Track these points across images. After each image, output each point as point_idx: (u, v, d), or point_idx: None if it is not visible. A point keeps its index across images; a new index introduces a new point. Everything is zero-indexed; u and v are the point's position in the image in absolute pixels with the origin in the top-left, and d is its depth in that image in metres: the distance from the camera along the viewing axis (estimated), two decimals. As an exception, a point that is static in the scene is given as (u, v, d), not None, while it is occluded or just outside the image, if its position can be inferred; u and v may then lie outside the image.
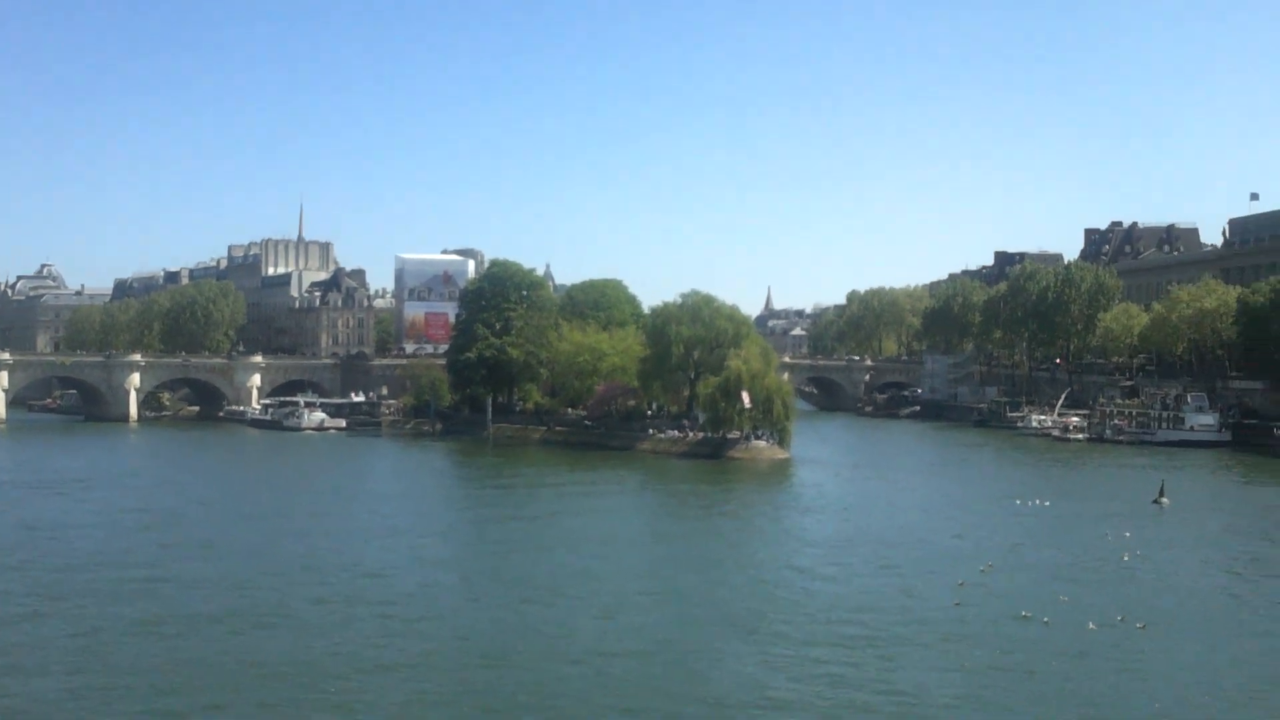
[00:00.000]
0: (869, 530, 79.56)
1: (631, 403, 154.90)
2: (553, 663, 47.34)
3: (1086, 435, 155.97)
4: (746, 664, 46.92)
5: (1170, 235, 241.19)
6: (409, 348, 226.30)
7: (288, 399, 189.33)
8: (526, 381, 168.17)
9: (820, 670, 45.72)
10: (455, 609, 56.85)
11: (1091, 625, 51.55)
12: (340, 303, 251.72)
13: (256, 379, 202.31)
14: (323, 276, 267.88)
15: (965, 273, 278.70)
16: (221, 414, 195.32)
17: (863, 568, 65.80)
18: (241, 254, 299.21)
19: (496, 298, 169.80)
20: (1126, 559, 67.86)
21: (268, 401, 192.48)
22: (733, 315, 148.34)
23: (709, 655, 48.32)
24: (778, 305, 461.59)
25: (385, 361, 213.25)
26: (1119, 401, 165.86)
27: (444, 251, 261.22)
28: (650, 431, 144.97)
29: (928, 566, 65.72)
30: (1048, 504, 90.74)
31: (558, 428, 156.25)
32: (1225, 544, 74.93)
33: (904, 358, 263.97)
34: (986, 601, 56.47)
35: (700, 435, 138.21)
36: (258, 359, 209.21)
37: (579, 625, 53.25)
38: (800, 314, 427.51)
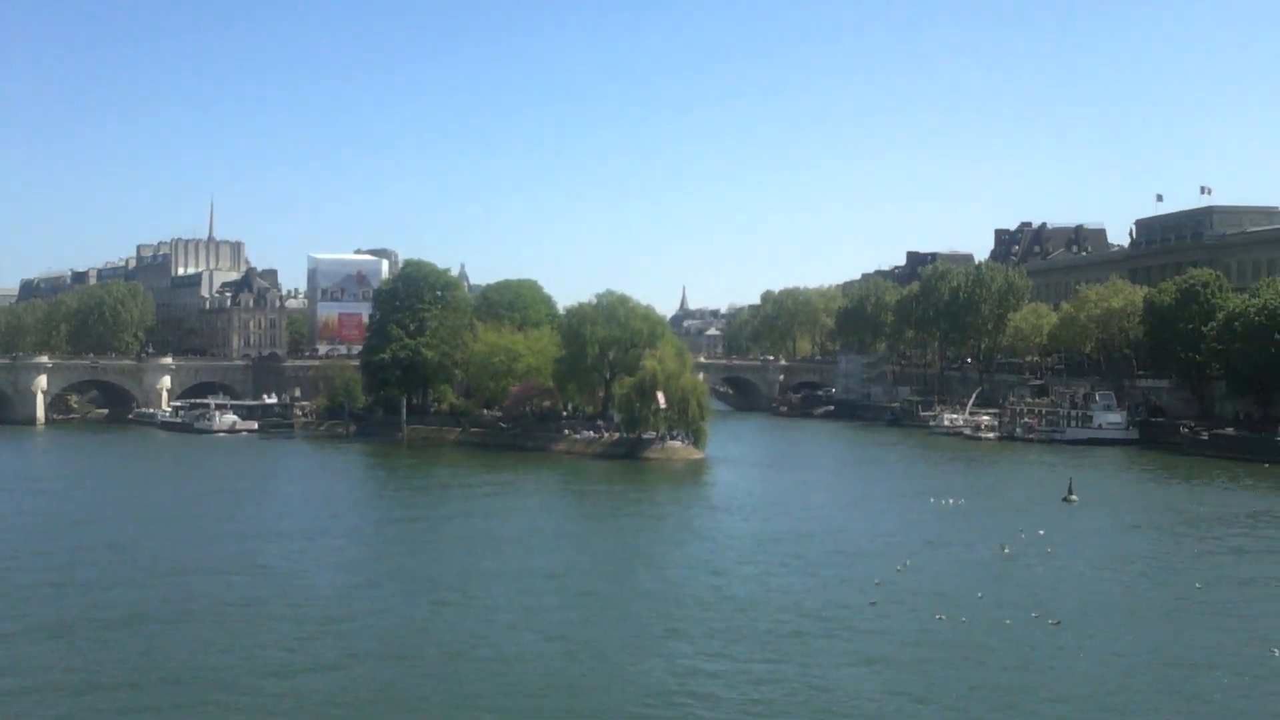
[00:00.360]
0: (785, 530, 79.75)
1: (547, 403, 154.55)
2: (468, 664, 46.92)
3: (997, 434, 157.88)
4: (664, 665, 46.74)
5: (1078, 236, 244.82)
6: (322, 349, 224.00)
7: (199, 401, 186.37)
8: (441, 382, 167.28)
9: (738, 671, 45.64)
10: (368, 611, 56.16)
11: (1008, 621, 52.02)
12: (252, 303, 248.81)
13: (167, 381, 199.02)
14: (234, 277, 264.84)
15: (878, 273, 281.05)
16: (131, 416, 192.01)
17: (780, 568, 65.89)
18: (151, 254, 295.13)
19: (411, 298, 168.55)
20: (1041, 556, 68.67)
21: (178, 403, 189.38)
22: (648, 315, 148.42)
23: (627, 656, 48.08)
24: (693, 305, 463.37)
25: (298, 363, 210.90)
26: (1029, 400, 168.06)
27: (358, 251, 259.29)
28: (565, 432, 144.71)
29: (845, 566, 66.00)
30: (962, 502, 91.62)
31: (473, 429, 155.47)
32: (1134, 540, 76.06)
33: (818, 357, 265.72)
34: (904, 599, 56.76)
35: (616, 436, 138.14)
36: (168, 360, 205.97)
37: (494, 627, 52.78)
38: (715, 314, 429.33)
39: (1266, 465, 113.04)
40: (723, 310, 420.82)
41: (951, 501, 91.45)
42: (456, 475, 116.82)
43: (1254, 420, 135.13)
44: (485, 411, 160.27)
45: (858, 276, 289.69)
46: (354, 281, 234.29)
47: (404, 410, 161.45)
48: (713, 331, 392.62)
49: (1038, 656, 47.39)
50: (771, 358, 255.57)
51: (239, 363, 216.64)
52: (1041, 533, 75.89)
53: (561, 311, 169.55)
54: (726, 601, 57.20)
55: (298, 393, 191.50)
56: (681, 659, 47.59)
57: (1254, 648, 48.17)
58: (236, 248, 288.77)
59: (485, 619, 54.29)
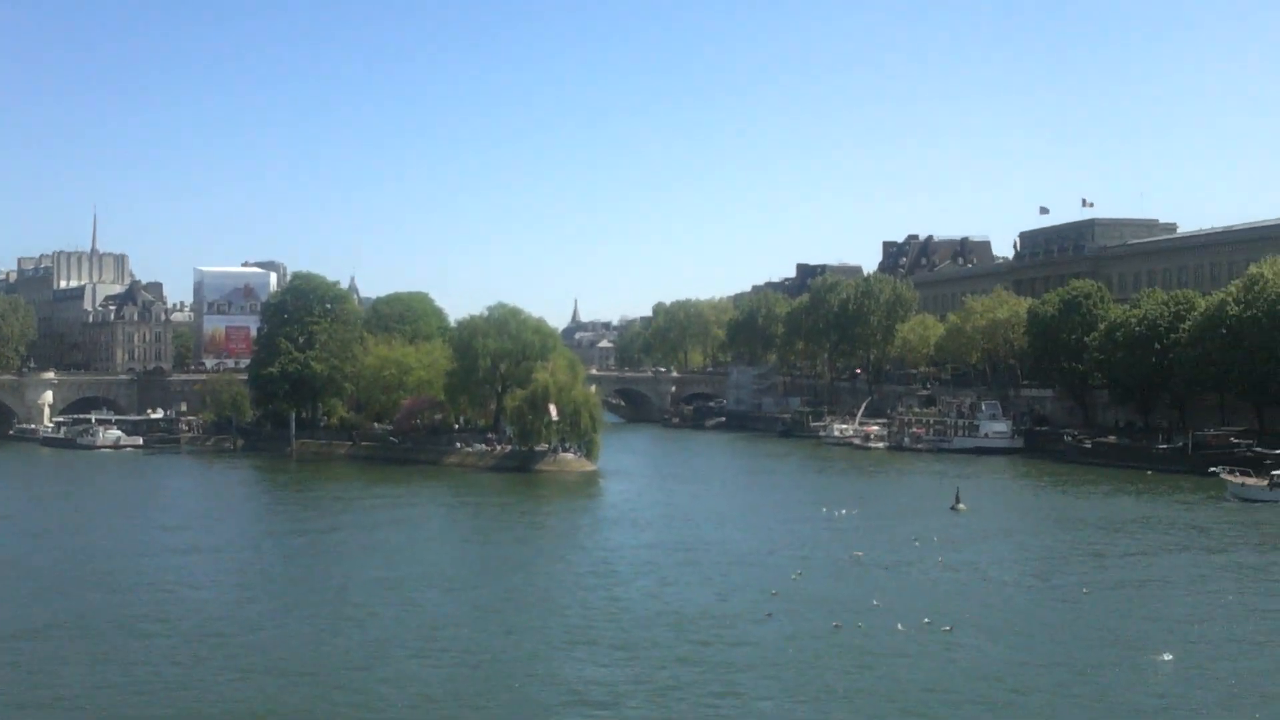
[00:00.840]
0: (680, 541, 79.83)
1: (438, 416, 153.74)
2: (367, 678, 46.32)
3: (887, 444, 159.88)
4: (567, 677, 46.51)
5: (964, 248, 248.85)
6: (209, 363, 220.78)
7: (82, 416, 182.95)
8: (331, 396, 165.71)
9: (640, 681, 45.53)
10: (263, 626, 55.22)
11: (900, 627, 52.49)
12: (137, 317, 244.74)
13: (49, 396, 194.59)
14: (118, 290, 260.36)
15: (769, 285, 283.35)
16: (12, 432, 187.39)
17: (675, 579, 65.93)
18: (32, 266, 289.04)
19: (299, 311, 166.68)
20: (933, 563, 69.55)
21: (61, 419, 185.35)
22: (540, 328, 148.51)
23: (529, 668, 47.71)
24: (585, 317, 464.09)
25: (184, 377, 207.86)
26: (917, 410, 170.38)
27: (245, 264, 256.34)
28: (457, 445, 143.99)
29: (740, 576, 66.21)
30: (855, 512, 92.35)
31: (363, 443, 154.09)
32: (1021, 547, 77.20)
33: (710, 369, 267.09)
34: (800, 609, 57.01)
35: (508, 448, 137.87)
36: (50, 375, 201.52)
37: (392, 641, 52.11)
38: (607, 326, 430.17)
39: (1149, 473, 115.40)
40: (615, 322, 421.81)
41: (844, 511, 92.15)
42: (347, 489, 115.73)
43: (1135, 429, 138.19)
44: (376, 425, 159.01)
45: (748, 288, 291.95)
46: (241, 294, 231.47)
47: (293, 424, 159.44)
48: (605, 344, 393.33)
49: (932, 662, 47.87)
50: (663, 369, 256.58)
51: (123, 377, 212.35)
52: (935, 539, 76.95)
53: (453, 324, 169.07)
54: (625, 613, 57.09)
55: (184, 408, 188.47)
56: (584, 670, 47.40)
57: (1141, 652, 49.00)
58: (120, 260, 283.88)
59: (382, 633, 53.64)
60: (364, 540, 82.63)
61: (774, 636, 51.93)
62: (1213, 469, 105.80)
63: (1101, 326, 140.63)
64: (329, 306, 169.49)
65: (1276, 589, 62.26)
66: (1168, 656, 47.43)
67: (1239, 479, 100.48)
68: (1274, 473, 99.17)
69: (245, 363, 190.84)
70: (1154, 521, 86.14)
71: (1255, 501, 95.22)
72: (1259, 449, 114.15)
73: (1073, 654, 48.84)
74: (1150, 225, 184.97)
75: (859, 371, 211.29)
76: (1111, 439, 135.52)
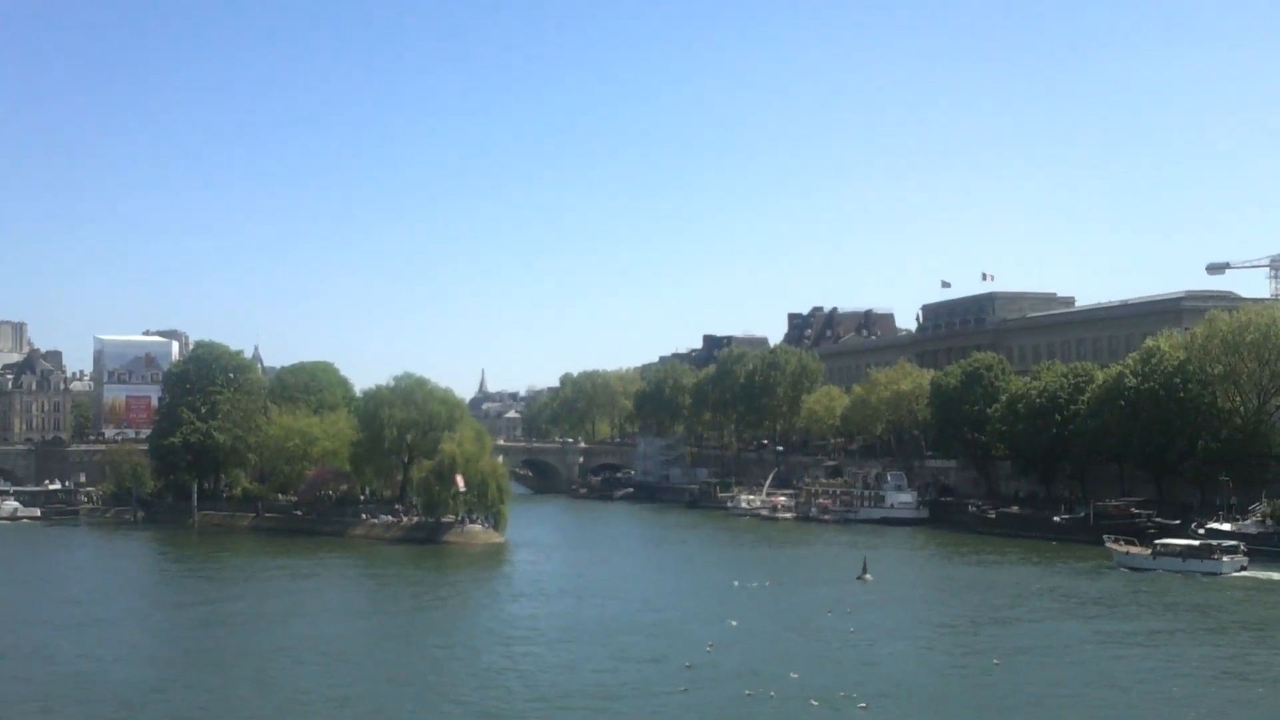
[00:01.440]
0: (592, 615, 79.35)
1: (344, 487, 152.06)
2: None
3: (794, 514, 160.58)
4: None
5: (868, 320, 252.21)
6: (109, 433, 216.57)
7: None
8: (234, 467, 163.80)
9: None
10: (167, 702, 54.03)
11: (814, 703, 52.33)
12: (35, 386, 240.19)
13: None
14: (16, 358, 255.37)
15: (675, 356, 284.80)
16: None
17: (589, 653, 65.37)
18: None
19: (202, 380, 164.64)
20: (844, 635, 69.66)
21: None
22: (446, 398, 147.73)
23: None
24: (492, 388, 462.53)
25: (84, 447, 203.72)
26: (823, 481, 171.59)
27: (146, 333, 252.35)
28: (363, 517, 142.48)
29: (654, 650, 65.75)
30: (767, 584, 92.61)
31: (267, 514, 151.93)
32: (928, 618, 77.62)
33: (617, 440, 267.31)
34: (715, 683, 56.69)
35: (414, 520, 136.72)
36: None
37: (300, 717, 51.34)
38: (514, 396, 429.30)
39: (1054, 543, 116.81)
40: (522, 393, 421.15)
41: (755, 584, 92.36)
42: (251, 563, 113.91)
43: (1038, 499, 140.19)
44: (280, 496, 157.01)
45: (655, 359, 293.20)
46: (142, 363, 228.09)
47: (195, 496, 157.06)
48: (512, 414, 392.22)
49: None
50: (571, 440, 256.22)
51: (20, 447, 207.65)
52: (848, 610, 77.29)
53: (359, 394, 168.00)
54: (538, 687, 56.51)
55: (83, 478, 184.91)
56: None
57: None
58: (18, 329, 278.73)
59: (289, 709, 52.68)
60: (269, 616, 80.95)
61: (689, 713, 51.50)
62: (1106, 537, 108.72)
63: (1003, 398, 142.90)
64: (232, 376, 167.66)
65: (1173, 655, 63.24)
66: None
67: (1124, 548, 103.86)
68: (1156, 542, 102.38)
69: (146, 433, 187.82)
70: (1060, 594, 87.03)
71: (1140, 570, 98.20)
72: (1159, 519, 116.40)
73: None
74: (1049, 299, 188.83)
75: (766, 442, 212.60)
76: (1014, 509, 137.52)
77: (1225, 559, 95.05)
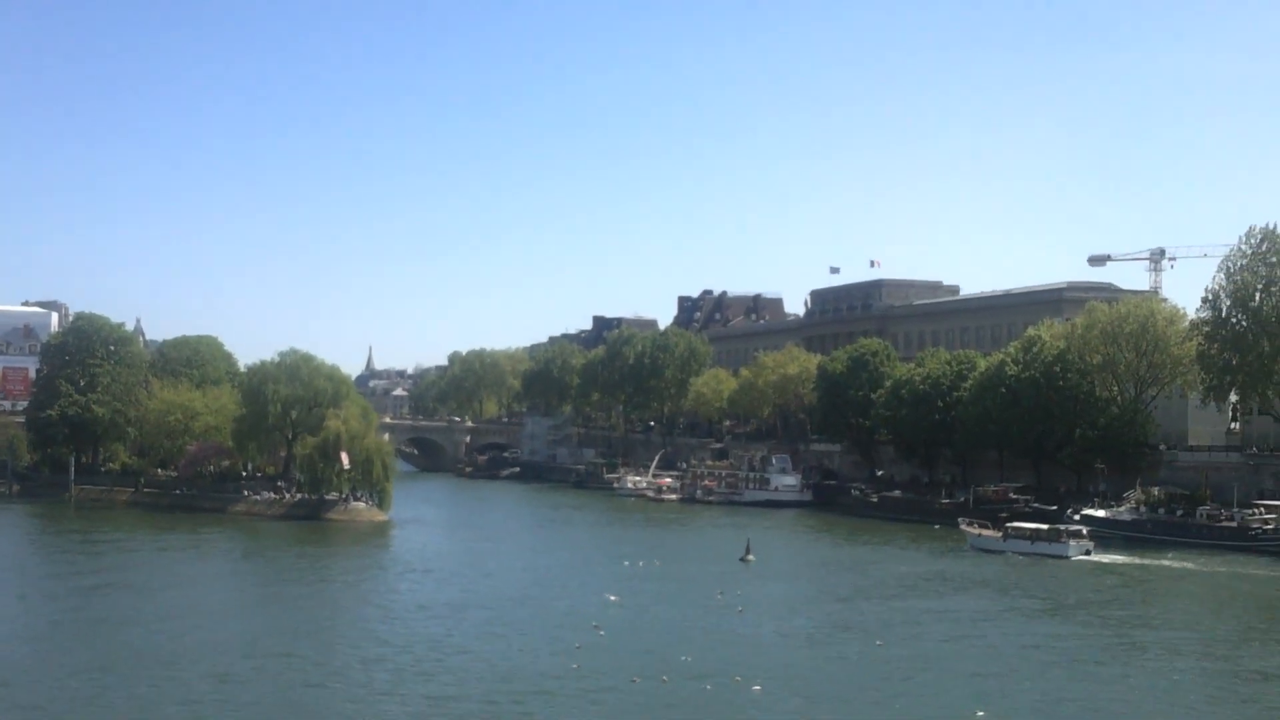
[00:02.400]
0: (478, 594, 79.07)
1: (226, 463, 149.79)
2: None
3: (679, 496, 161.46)
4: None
5: (757, 304, 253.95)
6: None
7: None
8: (113, 441, 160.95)
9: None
10: (41, 682, 52.85)
11: (708, 687, 52.27)
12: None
13: None
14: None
15: (565, 336, 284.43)
16: None
17: (477, 633, 65.04)
18: None
19: (81, 353, 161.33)
20: (733, 616, 70.15)
21: None
22: (333, 375, 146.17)
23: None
24: (379, 365, 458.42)
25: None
26: (709, 463, 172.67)
27: (24, 303, 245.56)
28: (245, 493, 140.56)
29: (543, 630, 65.65)
30: (657, 564, 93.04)
31: (147, 489, 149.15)
32: (814, 601, 78.45)
33: (505, 419, 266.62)
34: (605, 663, 56.65)
35: (298, 496, 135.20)
36: None
37: (184, 697, 50.39)
38: (402, 374, 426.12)
39: (937, 527, 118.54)
40: (410, 371, 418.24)
41: (643, 563, 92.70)
42: (130, 538, 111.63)
43: (920, 484, 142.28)
44: (160, 471, 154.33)
45: (544, 339, 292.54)
46: (20, 334, 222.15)
47: (72, 469, 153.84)
48: (399, 392, 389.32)
49: (740, 717, 47.96)
50: (458, 419, 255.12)
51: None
52: (738, 592, 77.82)
53: (243, 369, 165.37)
54: (426, 668, 55.97)
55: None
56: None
57: (936, 706, 50.07)
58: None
59: (172, 691, 51.72)
60: (144, 593, 79.40)
61: (581, 693, 51.33)
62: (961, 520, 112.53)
63: (887, 384, 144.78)
64: (112, 349, 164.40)
65: (1038, 630, 64.61)
66: (980, 714, 48.19)
67: (977, 531, 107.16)
68: (1007, 526, 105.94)
69: (23, 405, 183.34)
70: (942, 577, 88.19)
71: (991, 552, 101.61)
72: (1037, 504, 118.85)
73: (855, 709, 49.26)
74: (935, 287, 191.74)
75: (653, 424, 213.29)
76: (896, 493, 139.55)
77: (1071, 543, 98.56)
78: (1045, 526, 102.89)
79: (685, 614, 71.31)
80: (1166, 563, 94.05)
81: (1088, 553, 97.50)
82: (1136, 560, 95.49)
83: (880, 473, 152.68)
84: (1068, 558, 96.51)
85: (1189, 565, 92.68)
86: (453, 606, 74.01)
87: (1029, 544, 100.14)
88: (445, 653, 59.62)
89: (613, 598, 75.64)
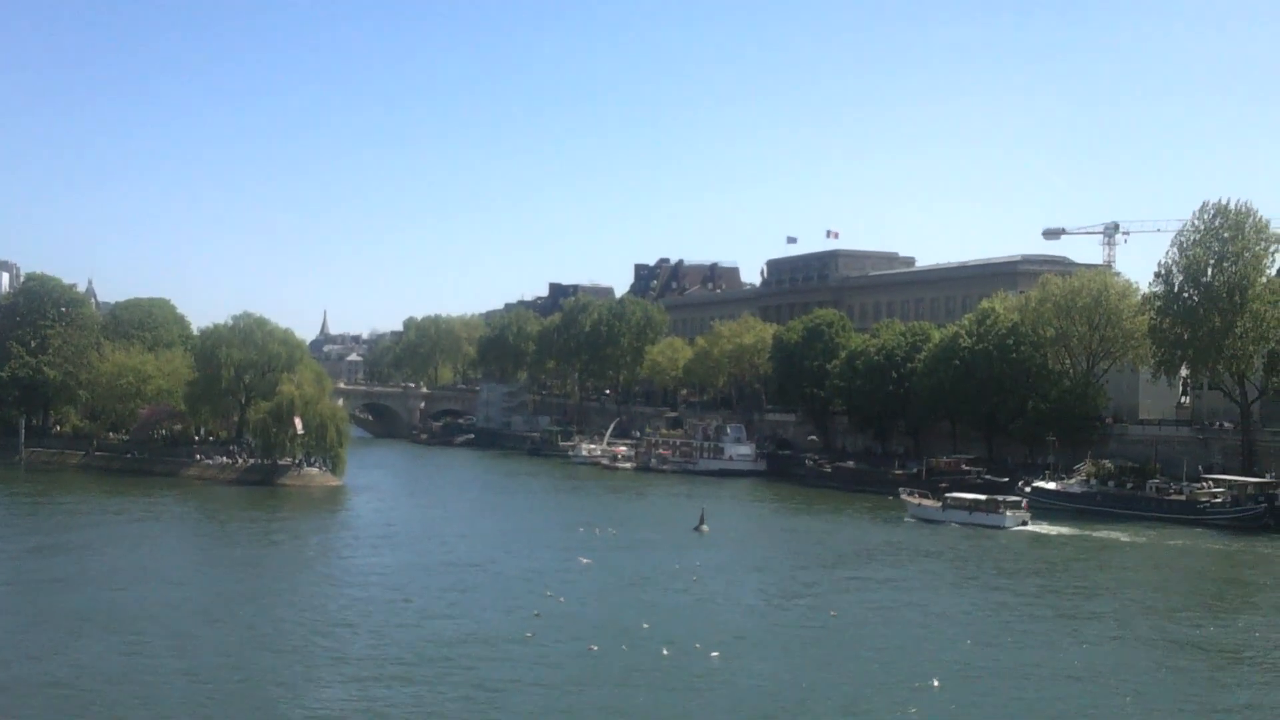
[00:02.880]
0: (434, 560, 79.05)
1: (179, 427, 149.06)
2: (121, 695, 44.96)
3: (634, 464, 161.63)
4: (335, 696, 45.65)
5: (714, 273, 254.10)
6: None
7: None
8: (64, 403, 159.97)
9: (408, 701, 44.89)
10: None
11: (665, 651, 52.61)
12: None
13: None
14: None
15: (521, 303, 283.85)
16: None
17: (435, 600, 64.99)
18: None
19: (32, 314, 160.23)
20: (688, 585, 70.43)
21: None
22: (287, 339, 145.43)
23: (296, 689, 46.60)
24: (334, 330, 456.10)
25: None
26: (664, 432, 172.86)
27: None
28: (198, 457, 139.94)
29: (499, 597, 65.64)
30: (613, 532, 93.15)
31: (98, 453, 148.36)
32: (768, 571, 78.85)
33: (460, 386, 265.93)
34: (563, 630, 56.81)
35: (251, 461, 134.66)
36: None
37: (146, 660, 50.33)
38: (357, 340, 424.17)
39: (891, 498, 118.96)
40: (365, 336, 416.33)
41: (599, 531, 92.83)
42: (82, 502, 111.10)
43: (874, 454, 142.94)
44: (112, 435, 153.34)
45: (500, 306, 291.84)
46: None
47: (22, 432, 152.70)
48: (354, 357, 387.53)
49: (700, 684, 48.20)
50: (413, 385, 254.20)
51: None
52: (698, 564, 78.06)
53: (196, 333, 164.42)
54: (383, 635, 55.94)
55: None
56: (349, 690, 46.49)
57: (894, 675, 50.41)
58: None
59: (134, 652, 51.70)
60: (99, 558, 78.93)
61: (538, 660, 51.45)
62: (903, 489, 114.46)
63: (842, 355, 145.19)
64: (64, 310, 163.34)
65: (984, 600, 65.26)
66: (935, 683, 48.48)
67: (917, 500, 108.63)
68: (946, 496, 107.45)
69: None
70: (893, 547, 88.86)
71: (931, 522, 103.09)
72: (989, 476, 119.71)
73: (841, 681, 49.42)
74: (891, 258, 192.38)
75: (609, 392, 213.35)
76: (850, 464, 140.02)
77: (1008, 514, 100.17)
78: (983, 497, 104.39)
79: (642, 582, 71.45)
80: (1101, 534, 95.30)
81: (1024, 523, 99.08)
82: (1072, 531, 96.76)
83: (822, 444, 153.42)
84: (1005, 528, 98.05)
85: (1121, 536, 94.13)
86: (405, 573, 73.93)
87: (967, 514, 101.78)
88: (400, 620, 59.41)
89: (585, 560, 76.22)
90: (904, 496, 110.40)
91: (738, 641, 55.53)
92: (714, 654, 52.36)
